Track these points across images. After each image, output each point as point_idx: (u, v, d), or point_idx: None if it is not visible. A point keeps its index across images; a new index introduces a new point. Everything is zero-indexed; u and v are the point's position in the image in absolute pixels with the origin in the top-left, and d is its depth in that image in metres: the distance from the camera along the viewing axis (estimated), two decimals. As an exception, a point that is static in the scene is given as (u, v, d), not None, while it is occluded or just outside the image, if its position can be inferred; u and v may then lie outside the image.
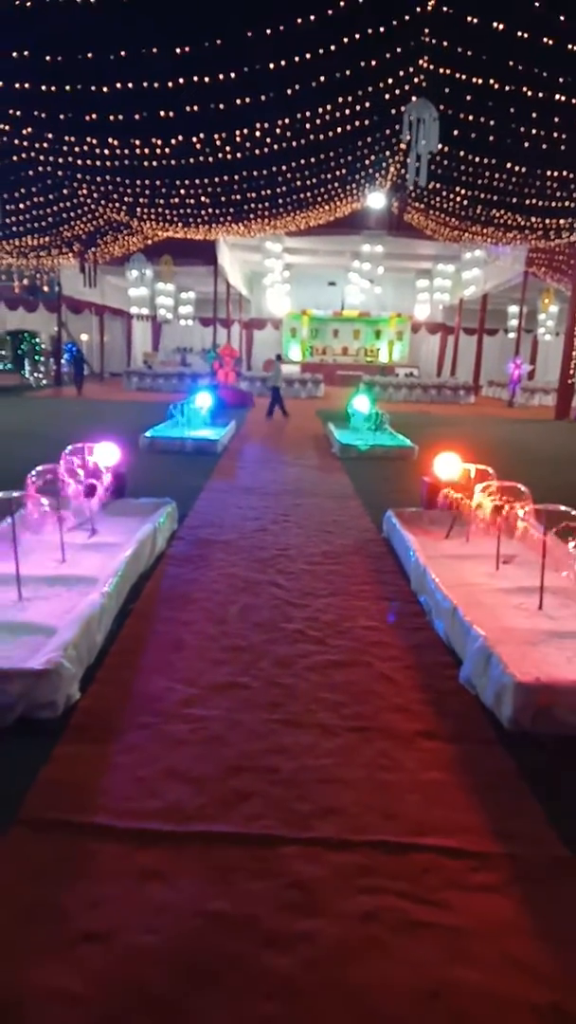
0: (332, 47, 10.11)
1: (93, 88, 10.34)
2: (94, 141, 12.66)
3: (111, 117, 11.45)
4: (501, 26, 9.65)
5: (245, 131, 12.63)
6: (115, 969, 1.92)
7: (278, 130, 12.71)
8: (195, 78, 10.23)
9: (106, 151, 13.09)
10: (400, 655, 3.90)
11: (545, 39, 9.74)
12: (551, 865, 2.33)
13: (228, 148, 13.23)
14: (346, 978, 1.91)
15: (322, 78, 10.97)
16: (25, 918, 2.08)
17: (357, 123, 12.97)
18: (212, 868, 2.28)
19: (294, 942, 2.02)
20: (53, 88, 10.32)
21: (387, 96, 12.06)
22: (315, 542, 6.15)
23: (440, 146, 12.02)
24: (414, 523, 6.28)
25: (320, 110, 12.19)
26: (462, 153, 14.00)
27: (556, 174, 14.13)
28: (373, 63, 10.92)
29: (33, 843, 2.36)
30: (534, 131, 12.22)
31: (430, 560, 4.99)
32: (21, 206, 16.42)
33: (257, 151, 13.51)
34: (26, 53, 9.40)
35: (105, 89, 10.33)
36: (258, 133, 12.72)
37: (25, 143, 12.71)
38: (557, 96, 11.03)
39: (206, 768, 2.79)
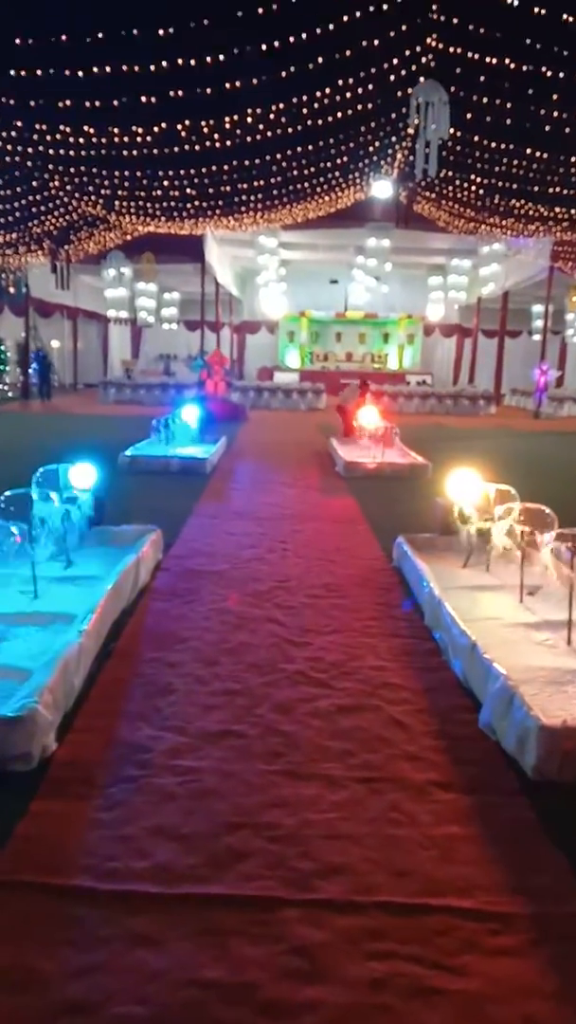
0: (330, 26, 10.48)
1: (67, 72, 10.69)
2: (68, 129, 13.02)
3: (87, 103, 11.80)
4: (515, 1, 10.02)
5: (235, 117, 13.00)
6: (101, 1042, 2.01)
7: (272, 116, 13.08)
8: (180, 61, 10.58)
9: (81, 140, 13.45)
10: (412, 698, 4.00)
11: (564, 16, 10.12)
12: (579, 925, 2.42)
13: (217, 136, 13.60)
14: (354, 1048, 1.99)
15: (320, 59, 11.34)
16: (2, 987, 2.16)
17: (359, 107, 13.36)
18: (206, 933, 2.37)
19: (297, 1012, 2.10)
20: (23, 72, 10.66)
21: (392, 78, 12.45)
22: (317, 572, 6.27)
23: (451, 131, 12.38)
24: (428, 550, 6.40)
25: (318, 94, 12.56)
26: (476, 138, 14.39)
27: (581, 160, 14.53)
28: (376, 42, 11.30)
29: (10, 907, 2.45)
30: (556, 114, 12.60)
31: (446, 592, 5.10)
32: (-15, 200, 16.81)
33: (249, 139, 13.88)
34: (-7, 36, 9.75)
35: (81, 73, 10.68)
36: (250, 119, 13.09)
37: (-9, 132, 13.07)
38: (579, 76, 11.40)
39: (198, 825, 2.88)
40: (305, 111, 13.09)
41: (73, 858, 2.68)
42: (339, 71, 11.98)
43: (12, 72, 10.72)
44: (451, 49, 11.65)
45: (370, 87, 12.65)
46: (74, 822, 2.88)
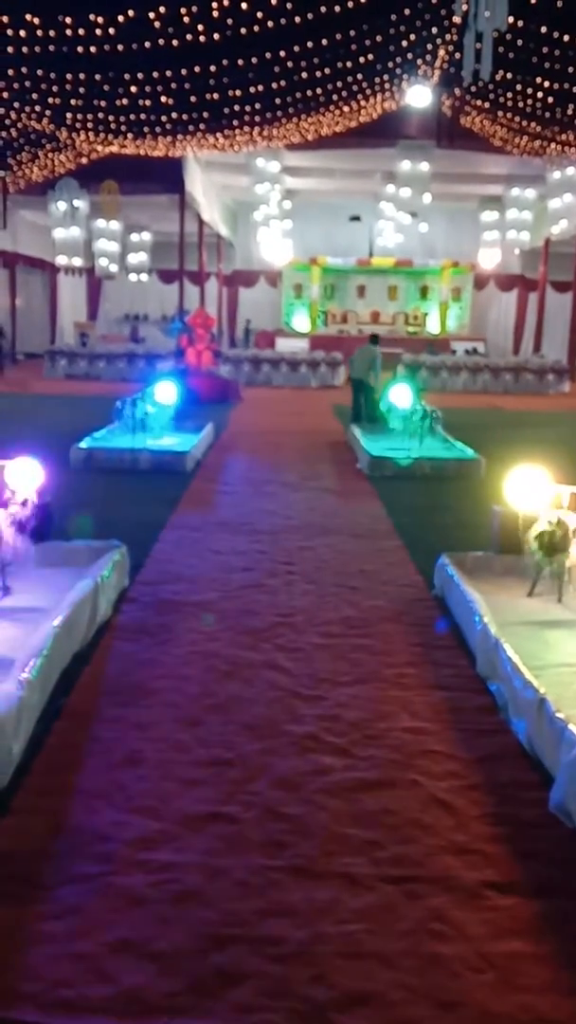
0: None
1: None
2: (5, 20, 13.12)
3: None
4: None
5: (225, 2, 13.09)
6: None
7: (274, 0, 13.18)
8: None
9: (23, 33, 13.55)
10: (461, 770, 3.99)
11: None
12: None
13: (201, 27, 13.68)
14: None
15: None
16: None
17: (389, -12, 13.45)
18: None
19: None
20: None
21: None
22: (333, 604, 6.27)
23: (510, 20, 12.44)
24: (482, 574, 6.41)
25: (335, -29, 12.67)
26: (543, 29, 14.46)
27: None
28: None
29: None
30: None
31: (506, 629, 5.10)
32: None
33: (243, 30, 13.97)
34: None
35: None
36: (245, 4, 13.18)
37: None
38: None
39: (176, 938, 2.87)
40: (318, -6, 13.20)
41: (12, 983, 2.66)
42: None
43: None
44: None
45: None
46: (12, 935, 2.87)
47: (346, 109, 20.05)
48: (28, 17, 13.14)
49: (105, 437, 12.53)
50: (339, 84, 17.83)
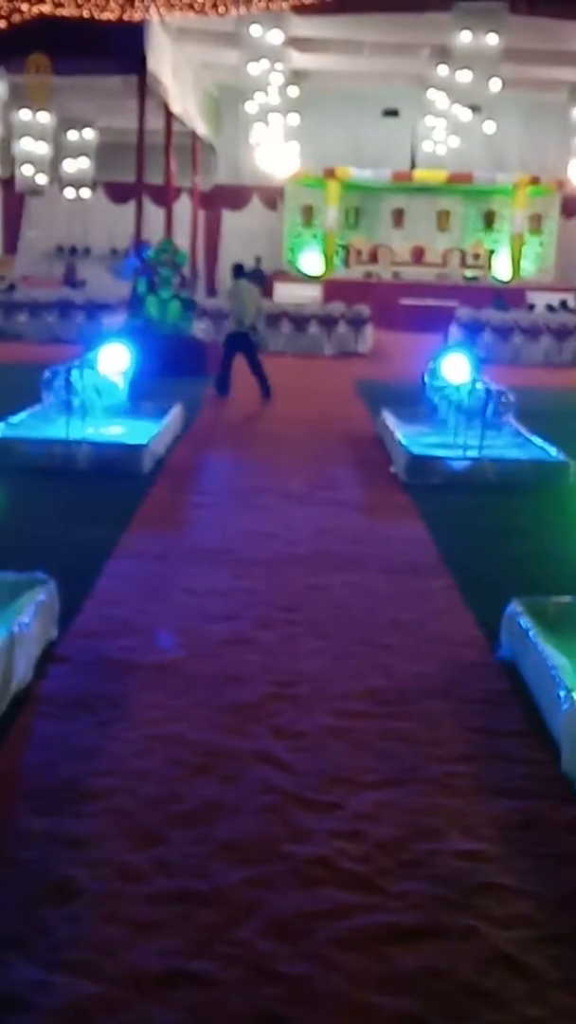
0: None
1: None
2: None
3: None
4: None
5: None
6: None
7: None
8: None
9: None
10: (537, 914, 3.96)
11: None
12: None
13: None
14: None
15: None
16: None
17: None
18: None
19: None
20: None
21: None
22: (354, 669, 6.25)
23: None
24: (571, 629, 6.38)
25: None
26: None
27: None
28: None
29: None
30: None
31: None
32: None
33: None
34: None
35: None
36: None
37: None
38: None
39: None
40: None
41: None
42: None
43: None
44: None
45: None
46: None
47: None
48: None
49: (27, 423, 12.51)
50: None
